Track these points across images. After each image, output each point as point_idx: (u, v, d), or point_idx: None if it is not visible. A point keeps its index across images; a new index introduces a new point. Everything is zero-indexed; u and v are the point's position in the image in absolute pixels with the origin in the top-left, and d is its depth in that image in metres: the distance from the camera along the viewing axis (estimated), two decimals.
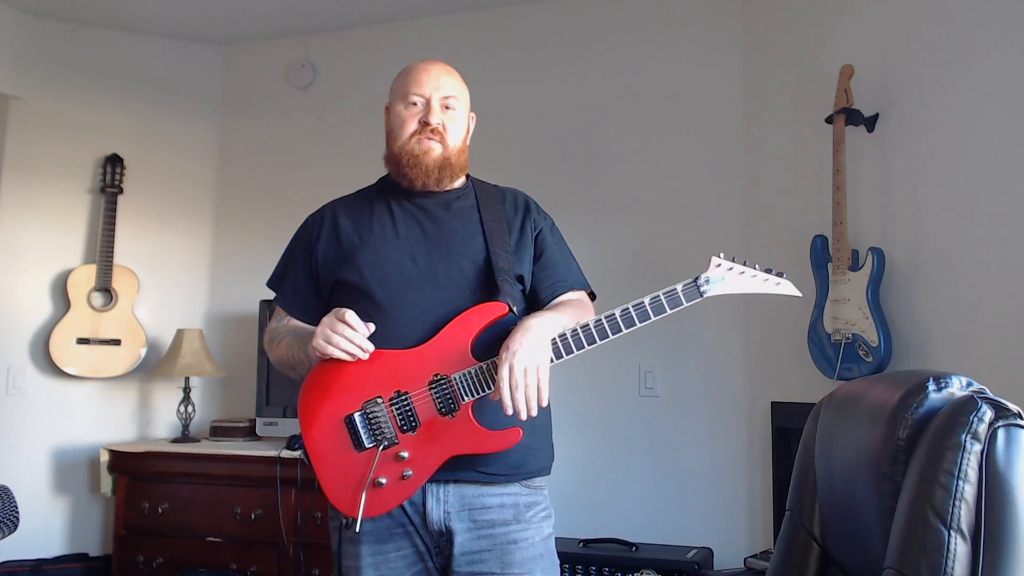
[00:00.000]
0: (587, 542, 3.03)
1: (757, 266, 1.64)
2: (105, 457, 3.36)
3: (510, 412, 1.53)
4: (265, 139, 3.95)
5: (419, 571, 1.69)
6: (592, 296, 1.88)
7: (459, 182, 1.83)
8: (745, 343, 3.16)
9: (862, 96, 2.52)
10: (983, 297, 2.17)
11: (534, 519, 1.71)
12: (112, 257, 3.66)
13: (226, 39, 3.99)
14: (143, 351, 3.69)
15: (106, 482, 3.36)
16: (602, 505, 3.24)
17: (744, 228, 3.19)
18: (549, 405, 1.79)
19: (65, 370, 3.58)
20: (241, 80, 4.03)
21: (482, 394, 1.60)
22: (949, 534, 1.00)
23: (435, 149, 1.73)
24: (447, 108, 1.75)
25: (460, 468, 1.64)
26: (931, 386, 1.11)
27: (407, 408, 1.61)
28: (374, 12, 3.72)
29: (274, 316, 1.87)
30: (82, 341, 3.60)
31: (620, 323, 1.61)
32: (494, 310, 1.65)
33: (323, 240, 1.78)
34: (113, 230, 3.68)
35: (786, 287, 1.64)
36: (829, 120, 2.58)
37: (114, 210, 3.70)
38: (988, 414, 1.02)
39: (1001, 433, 1.02)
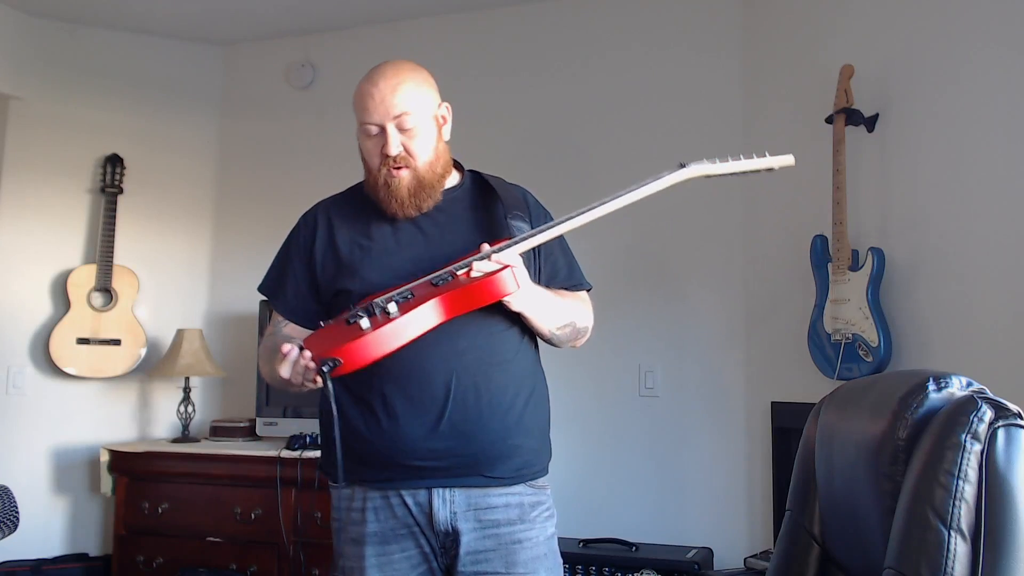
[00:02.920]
0: (587, 542, 3.03)
1: (741, 156, 1.64)
2: (105, 457, 3.36)
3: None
4: (265, 139, 3.95)
5: (423, 572, 1.68)
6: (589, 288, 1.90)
7: (453, 180, 1.79)
8: (745, 343, 3.16)
9: (862, 96, 2.52)
10: (983, 297, 2.17)
11: (538, 519, 1.71)
12: (112, 257, 3.66)
13: (226, 39, 3.99)
14: (143, 351, 3.69)
15: (106, 482, 3.36)
16: (602, 505, 3.24)
17: (744, 228, 3.19)
18: (548, 407, 1.79)
19: (65, 370, 3.58)
20: (241, 80, 4.03)
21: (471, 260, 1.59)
22: (949, 534, 1.00)
23: (404, 178, 1.68)
24: (404, 129, 1.68)
25: (465, 474, 1.63)
26: (931, 386, 1.11)
27: (405, 293, 1.59)
28: (374, 12, 3.72)
29: (272, 322, 1.83)
30: (82, 341, 3.60)
31: (599, 207, 1.63)
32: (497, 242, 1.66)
33: (319, 245, 1.76)
34: (113, 230, 3.68)
35: (777, 160, 1.62)
36: (829, 120, 2.58)
37: (114, 210, 3.69)
38: (988, 414, 1.02)
39: (1001, 433, 1.02)
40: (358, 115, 1.71)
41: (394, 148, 1.66)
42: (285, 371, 1.54)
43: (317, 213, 1.81)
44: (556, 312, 1.71)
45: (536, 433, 1.72)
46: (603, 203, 1.63)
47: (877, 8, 2.60)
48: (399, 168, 1.68)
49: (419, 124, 1.69)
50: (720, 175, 1.65)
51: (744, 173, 1.65)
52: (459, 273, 1.58)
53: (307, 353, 1.51)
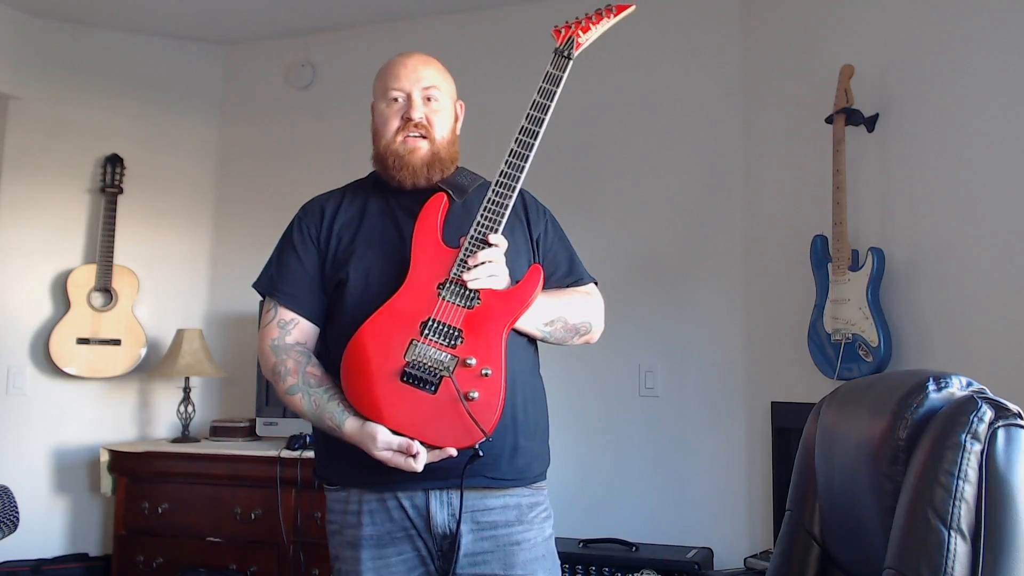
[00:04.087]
0: (587, 542, 3.03)
1: (593, 15, 1.74)
2: (105, 457, 3.36)
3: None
4: (265, 139, 3.95)
5: (421, 575, 1.67)
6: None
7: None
8: (745, 343, 3.16)
9: (862, 96, 2.52)
10: (983, 297, 2.17)
11: (536, 520, 1.70)
12: (112, 257, 3.66)
13: (226, 39, 3.99)
14: (143, 351, 3.69)
15: (106, 482, 3.36)
16: (602, 505, 3.24)
17: (744, 228, 3.19)
18: (547, 413, 1.79)
19: (65, 370, 3.58)
20: (241, 80, 4.03)
21: None
22: (949, 534, 1.00)
23: (421, 147, 1.70)
24: (429, 100, 1.72)
25: (469, 476, 1.61)
26: (931, 386, 1.11)
27: (439, 327, 1.58)
28: (374, 12, 3.72)
29: (276, 319, 1.72)
30: (82, 341, 3.60)
31: (530, 144, 1.69)
32: (434, 202, 1.67)
33: (323, 237, 1.74)
34: (113, 230, 3.68)
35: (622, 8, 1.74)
36: (829, 120, 2.58)
37: (114, 210, 3.70)
38: (988, 414, 1.02)
39: (1001, 433, 1.02)
40: (383, 83, 1.74)
41: (418, 113, 1.71)
42: (420, 467, 1.54)
43: (319, 207, 1.79)
44: (538, 309, 1.67)
45: (537, 435, 1.72)
46: (529, 137, 1.69)
47: (877, 8, 2.60)
48: (418, 136, 1.71)
49: (442, 102, 1.75)
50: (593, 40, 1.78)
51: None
52: (469, 282, 1.59)
53: (451, 450, 1.55)
